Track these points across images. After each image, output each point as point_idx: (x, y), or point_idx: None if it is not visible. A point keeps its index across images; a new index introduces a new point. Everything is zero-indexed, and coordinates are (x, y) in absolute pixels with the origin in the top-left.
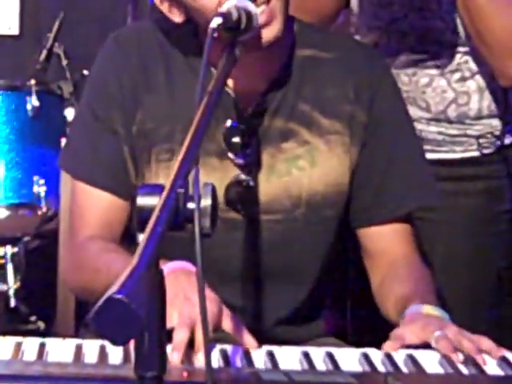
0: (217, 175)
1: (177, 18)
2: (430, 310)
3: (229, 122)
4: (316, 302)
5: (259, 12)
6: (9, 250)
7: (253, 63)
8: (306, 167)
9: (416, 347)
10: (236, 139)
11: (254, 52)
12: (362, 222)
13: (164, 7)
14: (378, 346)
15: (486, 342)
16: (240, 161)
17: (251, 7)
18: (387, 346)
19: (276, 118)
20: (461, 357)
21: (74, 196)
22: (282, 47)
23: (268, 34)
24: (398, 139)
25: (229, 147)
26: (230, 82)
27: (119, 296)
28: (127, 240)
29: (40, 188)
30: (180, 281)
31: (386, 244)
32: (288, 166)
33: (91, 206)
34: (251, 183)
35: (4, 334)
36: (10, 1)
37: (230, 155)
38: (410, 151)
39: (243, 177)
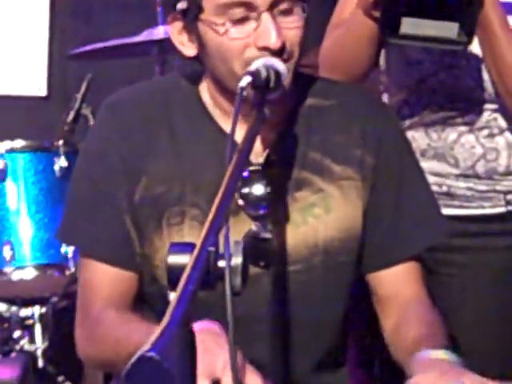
0: (231, 229)
1: (189, 51)
2: (443, 354)
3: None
4: (340, 350)
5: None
6: (37, 310)
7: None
8: (321, 214)
9: None
10: (249, 191)
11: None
12: (371, 266)
13: (180, 39)
14: None
15: None
16: (255, 213)
17: (280, 66)
18: None
19: (288, 168)
20: None
21: (81, 269)
22: (287, 99)
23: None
24: (404, 181)
25: (244, 200)
26: (238, 135)
27: (151, 354)
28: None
29: (68, 248)
30: (205, 340)
31: (397, 287)
32: (303, 214)
33: (99, 280)
34: (267, 235)
35: None
36: (38, 62)
37: (245, 208)
38: (417, 191)
39: (259, 230)
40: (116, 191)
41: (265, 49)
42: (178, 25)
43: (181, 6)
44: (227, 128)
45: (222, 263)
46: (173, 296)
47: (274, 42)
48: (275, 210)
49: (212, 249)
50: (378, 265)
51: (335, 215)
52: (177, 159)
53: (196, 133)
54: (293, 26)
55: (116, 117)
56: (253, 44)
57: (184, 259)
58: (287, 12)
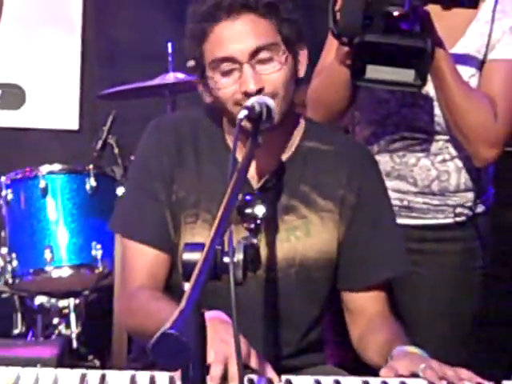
0: (235, 235)
1: (207, 98)
2: (414, 349)
3: (241, 196)
4: (316, 339)
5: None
6: (72, 302)
7: (266, 150)
8: (301, 237)
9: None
10: (247, 210)
11: (268, 140)
12: (345, 286)
13: (199, 88)
14: (371, 375)
15: (465, 372)
16: (249, 226)
17: (270, 102)
18: (383, 372)
19: (281, 194)
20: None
21: (124, 253)
22: (291, 139)
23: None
24: (377, 222)
25: (241, 216)
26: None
27: (172, 331)
28: (169, 288)
29: (97, 251)
30: (216, 327)
31: (364, 304)
32: (287, 234)
33: (139, 261)
34: (256, 244)
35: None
36: (71, 101)
37: (242, 221)
38: (387, 230)
39: (251, 239)
40: (158, 191)
41: (245, 93)
42: (197, 78)
43: (190, 64)
44: (238, 153)
45: (226, 259)
46: (187, 286)
47: (251, 88)
48: (267, 227)
49: (219, 247)
50: (349, 286)
51: (313, 239)
52: (198, 173)
53: (214, 154)
54: (272, 71)
55: (161, 134)
56: (238, 90)
57: (196, 256)
58: (266, 60)
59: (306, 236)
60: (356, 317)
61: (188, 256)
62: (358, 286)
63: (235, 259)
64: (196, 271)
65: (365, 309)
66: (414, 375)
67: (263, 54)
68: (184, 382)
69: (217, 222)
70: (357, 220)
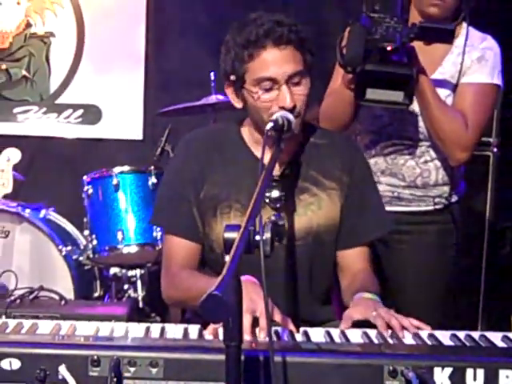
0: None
1: (238, 105)
2: (369, 295)
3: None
4: (327, 297)
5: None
6: (138, 272)
7: (284, 146)
8: (315, 210)
9: (361, 324)
10: (272, 193)
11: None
12: (342, 246)
13: (232, 96)
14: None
15: (405, 321)
16: (274, 206)
17: (291, 117)
18: (343, 325)
19: (296, 180)
20: (389, 332)
21: (164, 242)
22: (300, 139)
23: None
24: (365, 194)
25: (267, 198)
26: (266, 158)
27: (216, 292)
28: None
29: (157, 233)
30: (248, 288)
31: (352, 261)
32: (305, 210)
33: (176, 249)
34: (281, 222)
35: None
36: (136, 118)
37: (268, 203)
38: (374, 200)
39: (276, 217)
40: (187, 193)
41: (283, 108)
42: (231, 88)
43: (232, 78)
44: (258, 154)
45: (257, 237)
46: (227, 258)
47: (288, 104)
48: (287, 206)
49: (251, 228)
50: (343, 246)
51: (323, 211)
52: (226, 173)
53: (238, 157)
54: (301, 93)
55: (189, 148)
56: (275, 104)
57: (234, 235)
58: (298, 83)
59: (319, 209)
60: (344, 272)
61: (228, 235)
62: (351, 245)
63: (264, 237)
64: (234, 246)
65: (351, 264)
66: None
67: (296, 79)
68: (226, 333)
69: (250, 208)
70: (351, 194)
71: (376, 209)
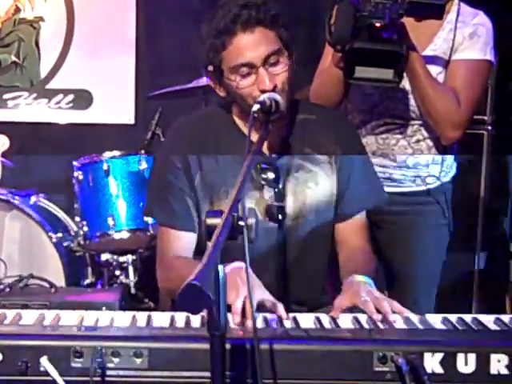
0: (258, 201)
1: (221, 93)
2: (361, 278)
3: (259, 165)
4: (323, 281)
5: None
6: (129, 257)
7: (273, 127)
8: (312, 187)
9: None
10: (268, 175)
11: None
12: (339, 218)
13: (214, 85)
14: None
15: (396, 305)
16: (271, 188)
17: (278, 98)
18: (332, 313)
19: (290, 158)
20: (380, 317)
21: (158, 233)
22: (289, 116)
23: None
24: (358, 164)
25: (263, 181)
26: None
27: (195, 282)
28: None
29: (148, 219)
30: (237, 274)
31: (349, 235)
32: (302, 187)
33: (170, 239)
34: (280, 203)
35: (128, 310)
36: (127, 102)
37: (264, 185)
38: (366, 172)
39: (273, 199)
40: (180, 181)
41: (263, 91)
42: (212, 78)
43: (210, 68)
44: (253, 138)
45: (241, 222)
46: (209, 245)
47: (268, 86)
48: (284, 186)
49: (235, 214)
50: (341, 217)
51: (321, 186)
52: (220, 159)
53: (231, 140)
54: (280, 72)
55: (180, 133)
56: (256, 88)
57: (217, 221)
58: (275, 63)
59: (316, 185)
60: (341, 246)
61: (210, 221)
62: (346, 217)
63: (248, 222)
64: (216, 232)
65: (348, 239)
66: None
67: (272, 58)
68: (209, 321)
69: (234, 192)
70: (343, 166)
71: (371, 178)
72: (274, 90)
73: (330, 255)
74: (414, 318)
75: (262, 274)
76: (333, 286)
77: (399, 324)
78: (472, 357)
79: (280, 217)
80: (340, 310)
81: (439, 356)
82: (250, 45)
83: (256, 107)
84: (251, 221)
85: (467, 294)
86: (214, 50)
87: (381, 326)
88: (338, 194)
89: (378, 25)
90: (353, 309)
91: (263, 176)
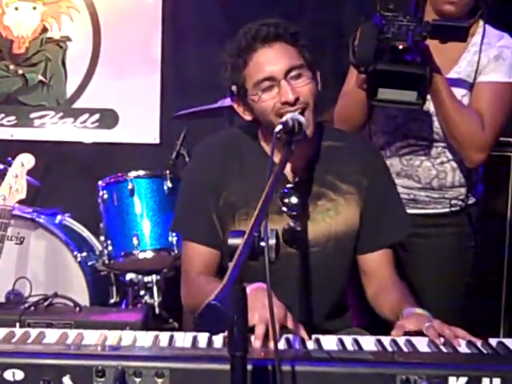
0: (277, 225)
1: (247, 117)
2: (420, 311)
3: (281, 190)
4: (344, 303)
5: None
6: (154, 277)
7: (297, 152)
8: (333, 216)
9: (412, 335)
10: (289, 200)
11: (298, 145)
12: (362, 250)
13: (240, 110)
14: (386, 334)
15: (460, 331)
16: (291, 213)
17: (301, 119)
18: (394, 332)
19: (313, 185)
20: (442, 340)
21: (183, 249)
22: (314, 141)
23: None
24: (386, 196)
25: (284, 205)
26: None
27: (215, 302)
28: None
29: (173, 238)
30: (258, 295)
31: (378, 267)
32: (322, 216)
33: (195, 256)
34: (298, 228)
35: (152, 330)
36: (152, 121)
37: (285, 210)
38: (394, 203)
39: (293, 224)
40: (207, 200)
41: (286, 102)
42: (237, 102)
43: (234, 89)
44: (276, 160)
45: (262, 243)
46: (230, 265)
47: (290, 97)
48: (304, 212)
49: (256, 234)
50: (366, 250)
51: (342, 216)
52: (244, 180)
53: (255, 161)
54: (303, 84)
55: (206, 153)
56: (278, 101)
57: (238, 241)
58: (297, 76)
59: (337, 215)
60: (370, 278)
61: (232, 241)
62: (373, 249)
63: (269, 243)
64: (237, 253)
65: (378, 271)
66: (419, 333)
67: (294, 72)
68: (230, 342)
69: (256, 213)
70: (371, 198)
71: (397, 211)
72: (296, 102)
73: (346, 284)
74: (439, 341)
75: (280, 297)
76: (355, 314)
77: (423, 347)
78: (497, 381)
79: (299, 242)
80: (403, 330)
81: (463, 380)
82: (271, 58)
83: (279, 128)
84: (272, 241)
85: (495, 318)
86: (236, 70)
87: (405, 348)
88: (362, 225)
89: (400, 47)
90: (412, 334)
91: (285, 201)
